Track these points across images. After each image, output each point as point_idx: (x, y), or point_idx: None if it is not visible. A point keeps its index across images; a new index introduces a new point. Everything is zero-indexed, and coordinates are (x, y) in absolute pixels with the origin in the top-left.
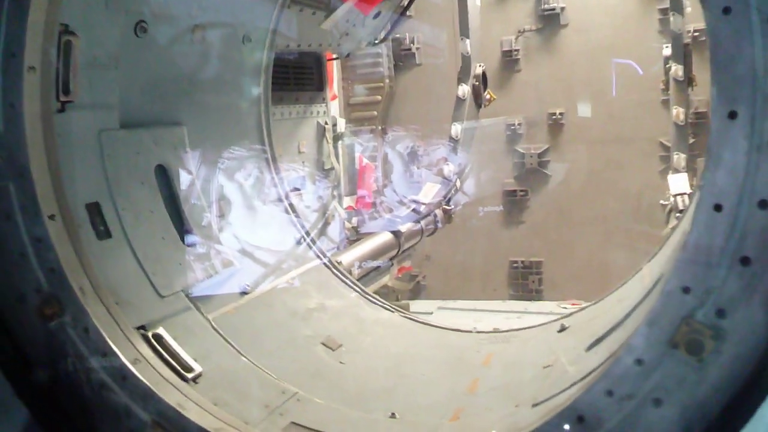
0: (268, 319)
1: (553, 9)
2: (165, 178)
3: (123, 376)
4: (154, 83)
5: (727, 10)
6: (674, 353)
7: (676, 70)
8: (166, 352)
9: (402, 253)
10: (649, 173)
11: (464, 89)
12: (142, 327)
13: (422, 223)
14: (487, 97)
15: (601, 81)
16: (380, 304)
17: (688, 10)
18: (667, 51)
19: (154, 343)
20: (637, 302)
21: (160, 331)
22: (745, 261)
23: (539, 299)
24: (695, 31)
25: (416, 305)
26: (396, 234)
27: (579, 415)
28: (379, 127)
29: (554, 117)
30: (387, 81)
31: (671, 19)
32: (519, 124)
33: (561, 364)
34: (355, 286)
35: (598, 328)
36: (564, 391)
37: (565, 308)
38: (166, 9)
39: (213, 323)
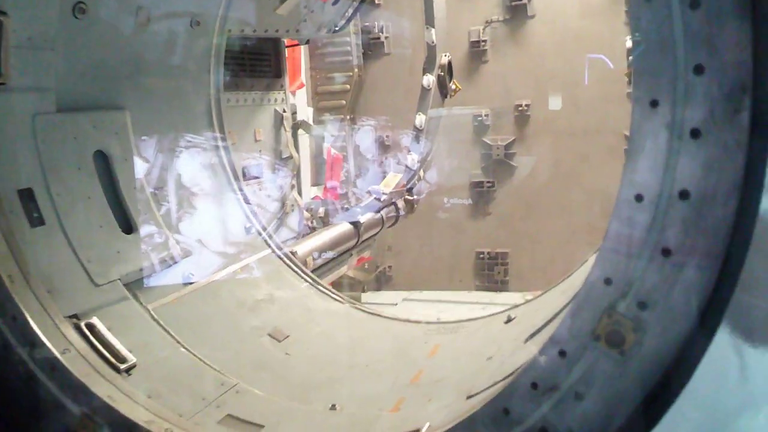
0: (213, 309)
1: (521, 0)
2: (105, 164)
3: (52, 366)
4: (94, 66)
5: None
6: (596, 345)
7: None
8: (99, 342)
9: (361, 243)
10: (614, 166)
11: (429, 79)
12: (75, 316)
13: (383, 212)
14: (453, 87)
15: (567, 73)
16: (331, 294)
17: None
18: (630, 43)
19: (86, 332)
20: (576, 293)
21: (94, 320)
22: (666, 252)
23: (505, 290)
24: None
25: (382, 296)
26: (355, 224)
27: (504, 407)
28: (348, 117)
29: (521, 108)
30: (356, 70)
31: None
32: (486, 115)
33: (501, 356)
34: (307, 277)
35: (540, 319)
36: (498, 383)
37: (529, 300)
38: None
39: (153, 313)
